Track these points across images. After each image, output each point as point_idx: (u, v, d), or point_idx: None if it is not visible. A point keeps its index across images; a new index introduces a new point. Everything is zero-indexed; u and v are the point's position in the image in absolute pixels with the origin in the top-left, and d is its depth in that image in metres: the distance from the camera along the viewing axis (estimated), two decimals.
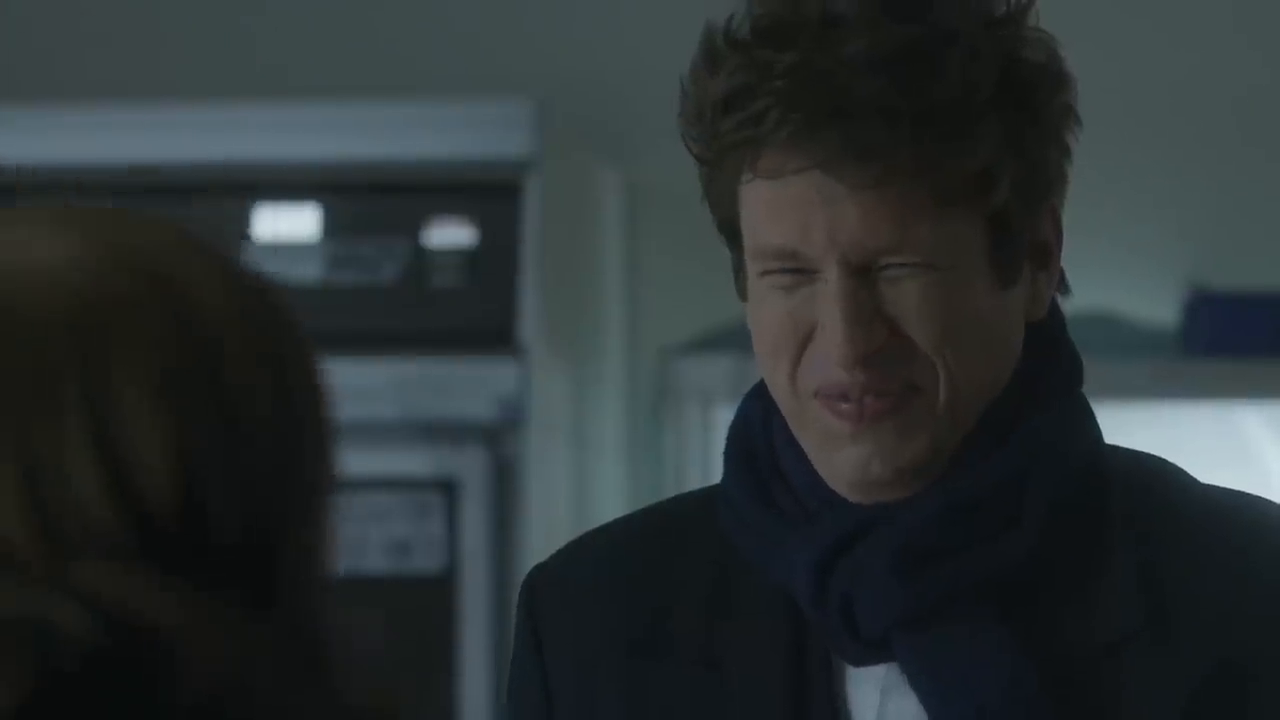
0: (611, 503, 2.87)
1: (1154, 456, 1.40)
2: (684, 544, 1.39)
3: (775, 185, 1.27)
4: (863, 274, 1.27)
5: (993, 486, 1.29)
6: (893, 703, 1.30)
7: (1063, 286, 1.34)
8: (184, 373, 0.84)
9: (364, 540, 2.73)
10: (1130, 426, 2.81)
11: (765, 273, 1.30)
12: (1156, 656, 1.30)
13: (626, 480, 2.99)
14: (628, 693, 1.35)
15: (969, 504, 1.29)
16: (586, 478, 2.90)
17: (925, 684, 1.29)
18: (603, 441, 2.97)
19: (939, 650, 1.30)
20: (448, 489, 2.77)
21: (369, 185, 2.87)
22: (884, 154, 1.24)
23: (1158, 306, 3.06)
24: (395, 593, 2.73)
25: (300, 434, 0.90)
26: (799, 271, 1.28)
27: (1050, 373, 1.35)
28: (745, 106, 1.25)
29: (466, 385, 2.74)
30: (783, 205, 1.28)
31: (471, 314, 2.82)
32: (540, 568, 1.42)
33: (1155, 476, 1.37)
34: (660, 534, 1.42)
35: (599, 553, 1.42)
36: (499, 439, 2.78)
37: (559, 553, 1.44)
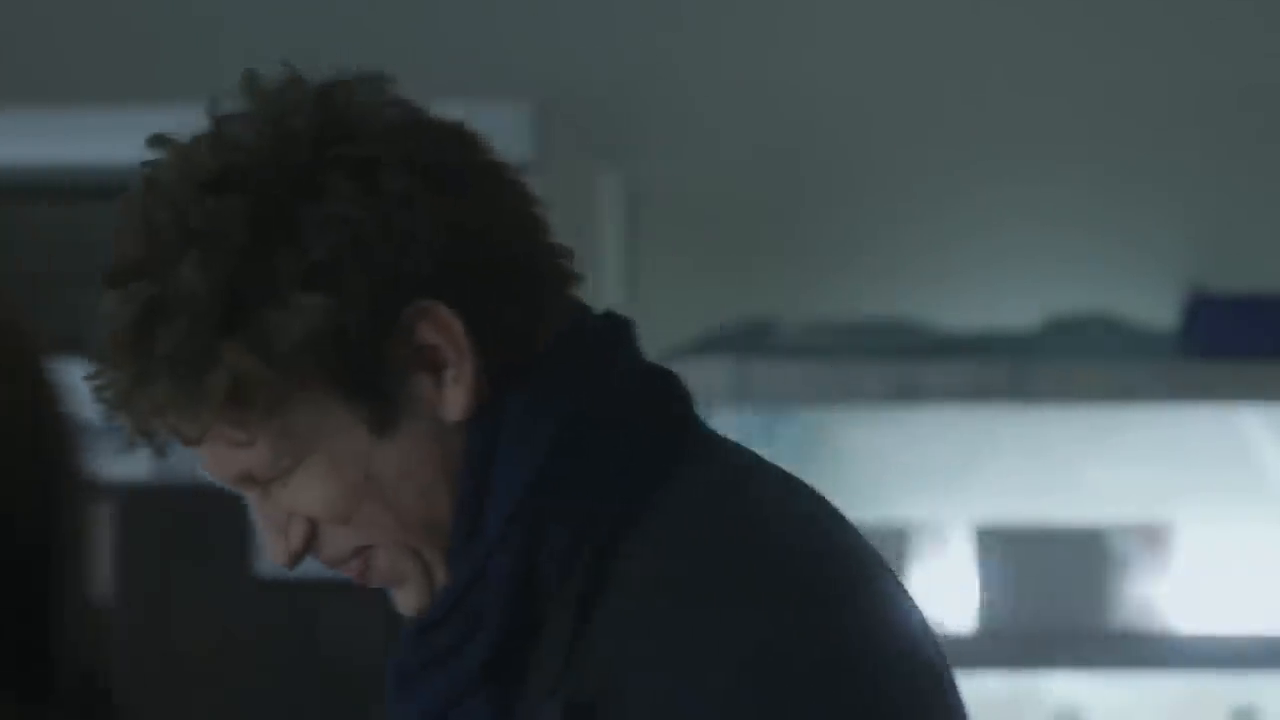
0: None
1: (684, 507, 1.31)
2: None
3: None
4: (248, 484, 1.30)
5: (446, 610, 1.30)
6: None
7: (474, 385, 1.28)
8: None
9: None
10: (1131, 427, 2.94)
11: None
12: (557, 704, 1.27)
13: None
14: None
15: (429, 627, 1.32)
16: None
17: None
18: None
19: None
20: None
21: None
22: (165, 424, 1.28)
23: (1157, 308, 3.00)
24: None
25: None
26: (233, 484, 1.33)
27: (498, 472, 1.30)
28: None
29: None
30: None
31: None
32: None
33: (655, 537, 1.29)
34: None
35: None
36: None
37: None
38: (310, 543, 1.30)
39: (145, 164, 1.30)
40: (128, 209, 1.30)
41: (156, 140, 1.31)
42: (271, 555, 1.31)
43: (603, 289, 2.95)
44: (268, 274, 1.25)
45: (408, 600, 1.31)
